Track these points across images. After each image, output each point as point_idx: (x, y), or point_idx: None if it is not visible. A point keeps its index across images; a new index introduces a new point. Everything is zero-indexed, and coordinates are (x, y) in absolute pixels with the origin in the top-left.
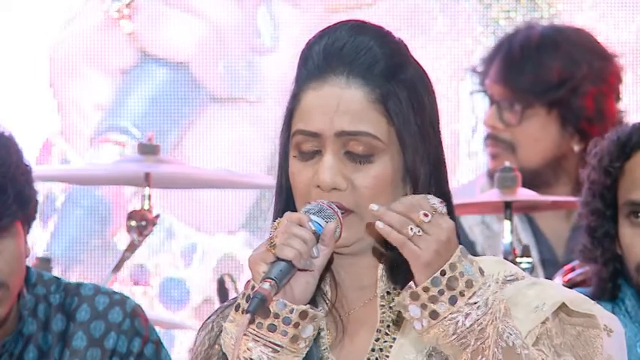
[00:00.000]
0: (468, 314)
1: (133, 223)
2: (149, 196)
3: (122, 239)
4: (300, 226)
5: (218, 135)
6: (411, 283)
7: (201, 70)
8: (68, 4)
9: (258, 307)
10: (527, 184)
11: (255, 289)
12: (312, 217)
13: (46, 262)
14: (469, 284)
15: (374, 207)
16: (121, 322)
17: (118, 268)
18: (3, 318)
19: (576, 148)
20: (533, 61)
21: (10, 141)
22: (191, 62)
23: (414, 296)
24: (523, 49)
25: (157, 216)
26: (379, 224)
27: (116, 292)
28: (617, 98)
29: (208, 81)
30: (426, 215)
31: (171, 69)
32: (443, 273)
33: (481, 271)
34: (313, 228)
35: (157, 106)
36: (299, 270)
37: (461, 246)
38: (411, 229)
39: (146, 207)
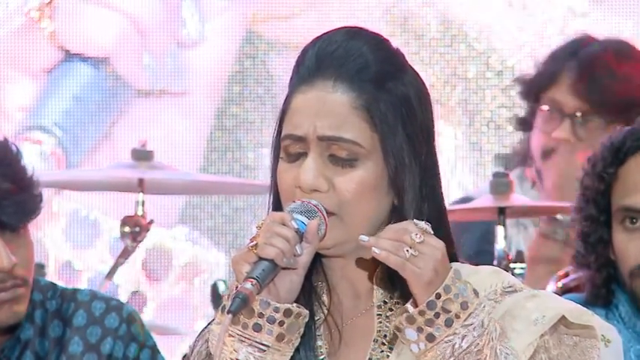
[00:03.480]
0: (464, 336)
1: (127, 229)
2: (142, 202)
3: None
4: (283, 224)
5: (147, 129)
6: (407, 306)
7: (125, 64)
8: None
9: (239, 306)
10: None
11: (237, 289)
12: (296, 215)
13: (39, 267)
14: (464, 306)
15: (363, 238)
16: (118, 327)
17: (111, 274)
18: (23, 316)
19: None
20: (615, 77)
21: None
22: (113, 57)
23: (410, 320)
24: (602, 65)
25: (151, 222)
26: (375, 250)
27: (113, 298)
28: None
29: (132, 75)
30: (418, 236)
31: (94, 65)
32: (438, 296)
33: (475, 293)
34: (296, 226)
35: (80, 103)
36: (282, 268)
37: (453, 267)
38: (407, 250)
39: (140, 213)
